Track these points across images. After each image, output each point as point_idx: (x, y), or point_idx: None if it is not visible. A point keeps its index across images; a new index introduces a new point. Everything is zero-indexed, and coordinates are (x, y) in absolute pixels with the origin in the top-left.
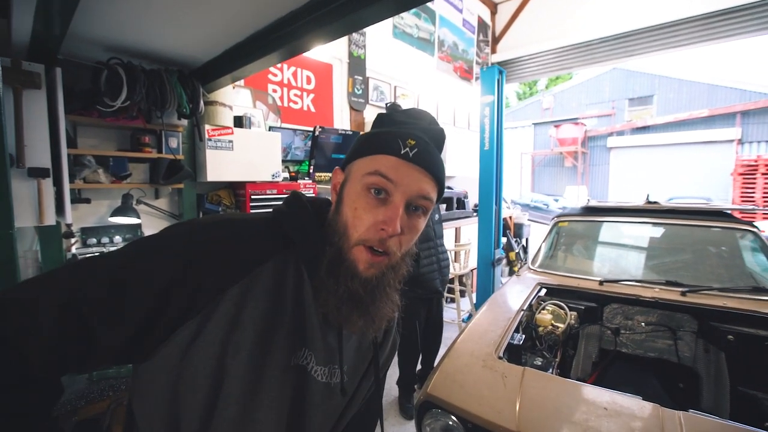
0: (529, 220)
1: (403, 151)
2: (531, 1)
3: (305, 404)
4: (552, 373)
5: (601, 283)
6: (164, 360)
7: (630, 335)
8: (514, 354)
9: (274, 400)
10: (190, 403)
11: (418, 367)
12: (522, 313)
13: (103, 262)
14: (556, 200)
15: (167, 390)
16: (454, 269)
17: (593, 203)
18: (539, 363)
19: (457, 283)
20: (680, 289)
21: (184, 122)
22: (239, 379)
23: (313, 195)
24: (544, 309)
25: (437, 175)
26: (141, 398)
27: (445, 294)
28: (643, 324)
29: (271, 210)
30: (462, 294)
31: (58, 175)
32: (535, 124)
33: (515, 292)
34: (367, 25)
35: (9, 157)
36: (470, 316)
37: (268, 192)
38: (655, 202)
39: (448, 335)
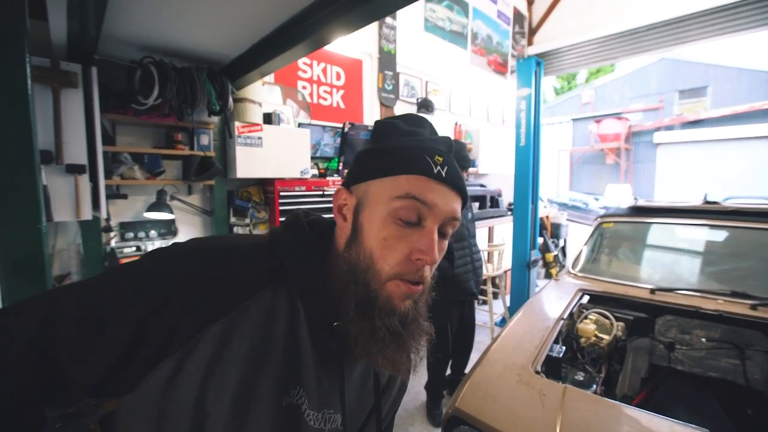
0: (567, 219)
1: (435, 171)
2: None
3: None
4: (596, 390)
5: (652, 291)
6: (147, 393)
7: (687, 351)
8: (552, 367)
9: None
10: None
11: (448, 371)
12: (562, 322)
13: (77, 293)
14: (597, 199)
15: (150, 425)
16: (487, 270)
17: (642, 203)
18: (581, 378)
19: (490, 284)
20: (749, 302)
21: (215, 119)
22: (222, 423)
23: (317, 216)
24: (586, 318)
25: (464, 192)
26: (124, 424)
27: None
28: (703, 340)
29: (268, 232)
30: (495, 296)
31: (94, 171)
32: (573, 119)
33: (554, 298)
34: (392, 12)
35: (42, 154)
36: (504, 320)
37: (296, 189)
38: (714, 202)
39: (479, 339)
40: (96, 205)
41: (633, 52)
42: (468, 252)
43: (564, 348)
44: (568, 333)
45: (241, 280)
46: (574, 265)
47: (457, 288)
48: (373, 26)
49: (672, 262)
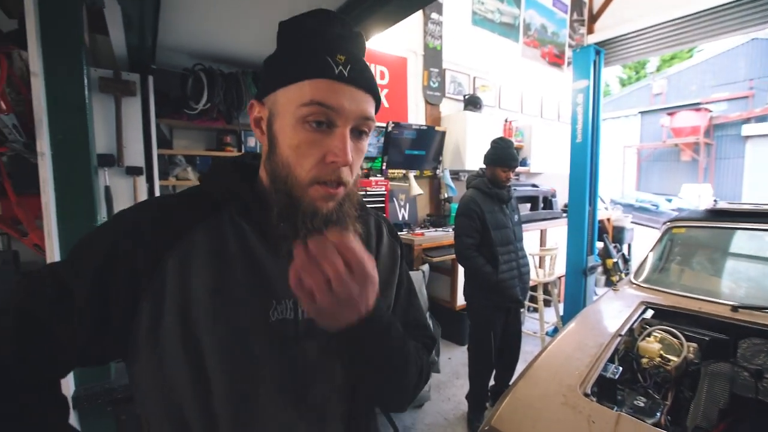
0: (632, 222)
1: (337, 71)
2: None
3: (302, 359)
4: (660, 419)
5: (734, 309)
6: (143, 354)
7: None
8: (606, 390)
9: (269, 367)
10: (183, 392)
11: (492, 382)
12: (619, 338)
13: (48, 268)
14: (669, 200)
15: (157, 385)
16: (537, 276)
17: (723, 205)
18: (641, 404)
19: (540, 291)
20: None
21: None
22: (217, 351)
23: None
24: (650, 335)
25: (375, 92)
26: (142, 401)
27: (528, 303)
28: None
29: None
30: (547, 304)
31: (150, 173)
32: (642, 112)
33: (612, 311)
34: (428, 3)
35: (105, 157)
36: (556, 330)
37: None
38: None
39: (528, 349)
40: None
41: (716, 33)
42: (514, 257)
43: (621, 369)
44: (627, 351)
45: (180, 215)
46: (637, 275)
47: (501, 294)
48: (418, 22)
49: (760, 276)
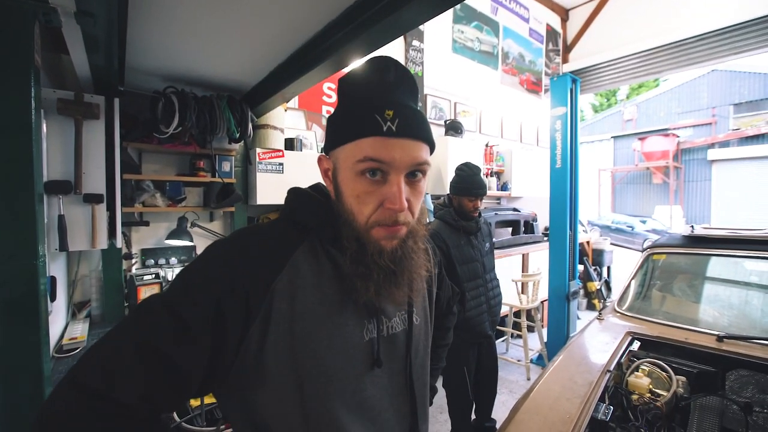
0: (611, 244)
1: (385, 128)
2: (608, 4)
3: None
4: None
5: (720, 338)
6: (242, 379)
7: None
8: None
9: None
10: (284, 414)
11: (473, 416)
12: (609, 374)
13: (159, 302)
14: (644, 222)
15: (257, 409)
16: (521, 302)
17: (700, 231)
18: None
19: (524, 317)
20: None
21: (237, 146)
22: (318, 365)
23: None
24: (638, 369)
25: (426, 137)
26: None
27: (511, 330)
28: None
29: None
30: (530, 329)
31: (111, 200)
32: (614, 137)
33: (598, 344)
34: (407, 30)
35: (61, 184)
36: (540, 357)
37: None
38: None
39: (513, 378)
40: (113, 233)
41: (681, 65)
42: (482, 291)
43: (612, 408)
44: (617, 387)
45: (279, 243)
46: (620, 303)
47: (470, 331)
48: (400, 49)
49: (742, 303)
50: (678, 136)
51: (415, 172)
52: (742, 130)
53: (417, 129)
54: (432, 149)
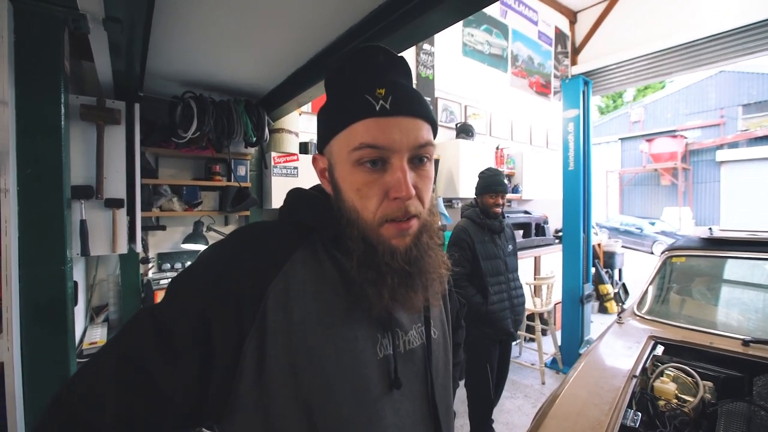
0: (622, 247)
1: (378, 107)
2: (616, 6)
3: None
4: None
5: (745, 343)
6: (247, 400)
7: None
8: None
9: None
10: None
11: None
12: (634, 380)
13: (146, 312)
14: (652, 224)
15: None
16: (535, 305)
17: (718, 233)
18: None
19: (537, 321)
20: None
21: (252, 150)
22: (326, 385)
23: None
24: (663, 374)
25: (425, 115)
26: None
27: (524, 334)
28: None
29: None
30: (544, 333)
31: (131, 205)
32: (622, 139)
33: (620, 348)
34: (428, 36)
35: (83, 189)
36: (554, 360)
37: None
38: None
39: (528, 382)
40: (132, 238)
41: (690, 66)
42: (504, 288)
43: (640, 414)
44: (642, 393)
45: (276, 245)
46: (639, 306)
47: (492, 326)
48: (411, 52)
49: (766, 307)
50: (686, 138)
51: (420, 157)
52: (750, 131)
53: (415, 106)
54: (435, 130)
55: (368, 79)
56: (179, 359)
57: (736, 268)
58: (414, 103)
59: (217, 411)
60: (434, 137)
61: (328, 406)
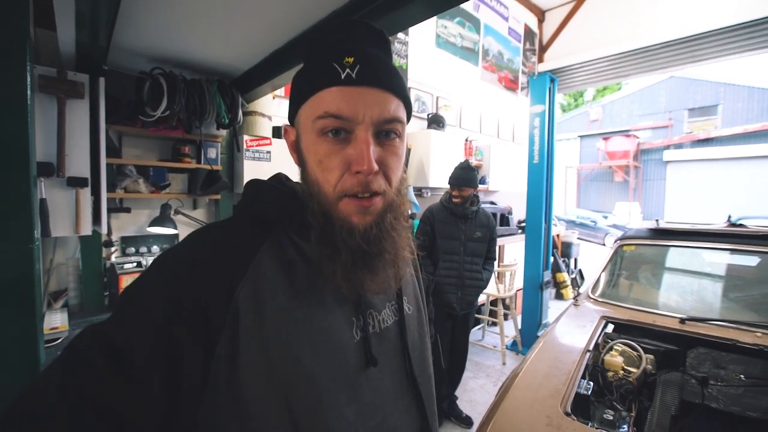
0: (578, 238)
1: (343, 75)
2: (582, 7)
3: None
4: (628, 431)
5: (682, 321)
6: (218, 416)
7: (722, 388)
8: (580, 407)
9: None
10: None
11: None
12: (588, 354)
13: (90, 330)
14: (605, 217)
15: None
16: (498, 291)
17: (664, 225)
18: (610, 417)
19: (500, 306)
20: None
21: (224, 133)
22: (304, 377)
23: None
24: (612, 349)
25: (396, 88)
26: None
27: (487, 318)
28: (741, 376)
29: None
30: (506, 317)
31: (96, 184)
32: (581, 136)
33: (576, 327)
34: (404, 29)
35: (43, 166)
36: (515, 343)
37: None
38: (739, 224)
39: (490, 363)
40: (97, 219)
41: (645, 69)
42: (456, 266)
43: (591, 384)
44: (594, 366)
45: (239, 243)
46: (593, 290)
47: (437, 297)
48: None
49: (701, 290)
50: (638, 138)
51: (387, 132)
52: (694, 134)
53: (384, 77)
54: (408, 107)
55: (339, 48)
56: (136, 384)
57: (677, 256)
58: (384, 74)
59: (190, 423)
60: (408, 118)
61: (308, 396)
